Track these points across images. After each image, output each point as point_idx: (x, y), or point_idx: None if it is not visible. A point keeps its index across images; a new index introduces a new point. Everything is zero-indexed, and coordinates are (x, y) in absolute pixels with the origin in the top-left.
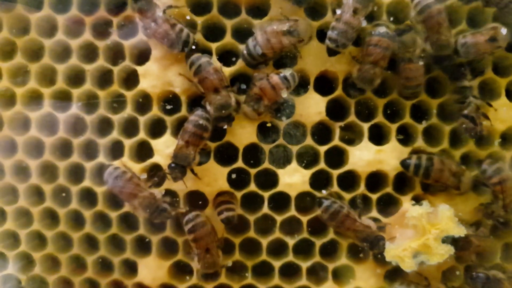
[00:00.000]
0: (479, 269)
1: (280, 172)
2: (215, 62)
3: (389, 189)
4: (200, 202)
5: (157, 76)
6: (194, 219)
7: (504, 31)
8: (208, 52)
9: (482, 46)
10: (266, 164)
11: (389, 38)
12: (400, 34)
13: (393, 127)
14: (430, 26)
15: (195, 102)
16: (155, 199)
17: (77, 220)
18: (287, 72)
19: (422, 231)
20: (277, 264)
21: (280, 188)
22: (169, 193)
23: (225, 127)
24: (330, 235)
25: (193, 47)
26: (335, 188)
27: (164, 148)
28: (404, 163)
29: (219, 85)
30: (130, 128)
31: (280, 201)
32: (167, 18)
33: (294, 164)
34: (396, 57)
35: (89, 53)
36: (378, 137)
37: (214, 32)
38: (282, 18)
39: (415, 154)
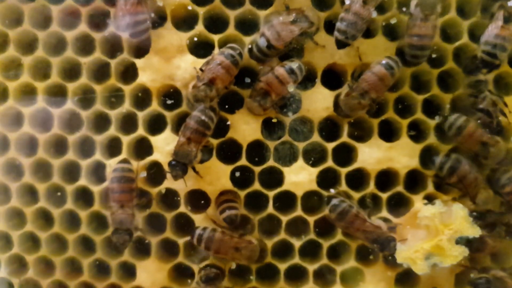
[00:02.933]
0: (477, 274)
1: (286, 170)
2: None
3: (400, 188)
4: (202, 202)
5: (157, 69)
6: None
7: (510, 2)
8: (210, 44)
9: (507, 33)
10: (271, 162)
11: (388, 71)
12: None
13: (404, 123)
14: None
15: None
16: (132, 221)
17: (72, 221)
18: (293, 63)
19: (435, 231)
20: (282, 266)
21: (285, 187)
22: (170, 192)
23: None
24: (338, 236)
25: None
26: (344, 187)
27: (164, 145)
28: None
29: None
30: (128, 124)
31: (286, 201)
32: (139, 2)
33: (300, 162)
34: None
35: (85, 45)
36: (388, 133)
37: (216, 23)
38: (284, 10)
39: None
